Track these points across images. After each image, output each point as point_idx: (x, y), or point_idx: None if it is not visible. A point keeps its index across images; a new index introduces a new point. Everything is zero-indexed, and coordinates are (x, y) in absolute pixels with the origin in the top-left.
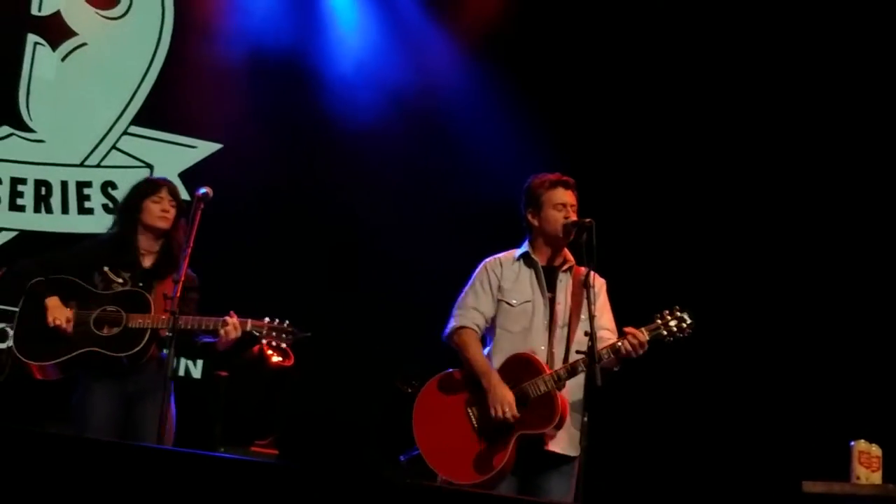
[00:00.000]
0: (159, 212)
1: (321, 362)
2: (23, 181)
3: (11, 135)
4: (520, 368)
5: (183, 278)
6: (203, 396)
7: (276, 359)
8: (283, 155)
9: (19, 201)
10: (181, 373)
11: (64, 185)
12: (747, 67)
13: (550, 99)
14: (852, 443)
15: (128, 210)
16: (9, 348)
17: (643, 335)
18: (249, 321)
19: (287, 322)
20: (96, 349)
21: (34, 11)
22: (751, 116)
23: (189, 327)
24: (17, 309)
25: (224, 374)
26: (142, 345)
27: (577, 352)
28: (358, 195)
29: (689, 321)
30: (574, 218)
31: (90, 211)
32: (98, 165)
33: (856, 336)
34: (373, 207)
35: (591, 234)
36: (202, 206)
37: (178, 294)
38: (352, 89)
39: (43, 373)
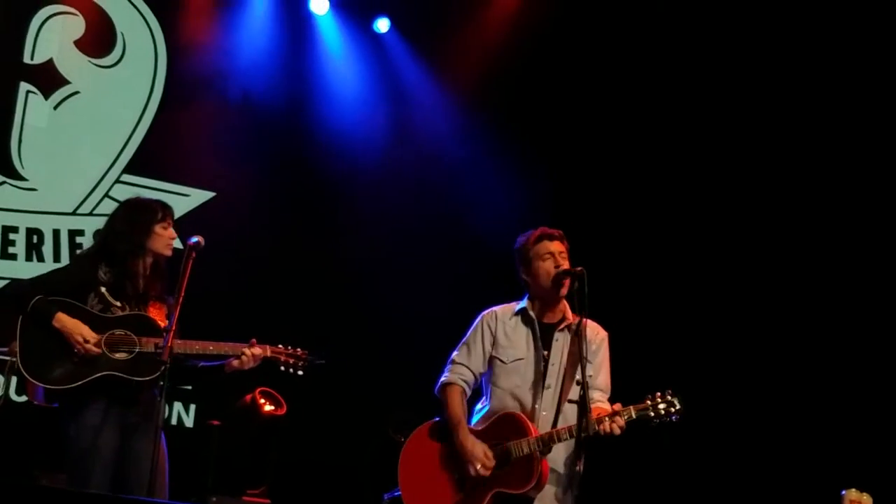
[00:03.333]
0: (168, 239)
1: (313, 411)
2: (14, 229)
3: (3, 183)
4: (508, 427)
5: (175, 326)
6: (195, 445)
7: (268, 408)
8: (276, 203)
9: (11, 250)
10: (174, 421)
11: (56, 233)
12: (744, 115)
13: (543, 144)
14: (843, 491)
15: (134, 232)
16: (14, 367)
17: (622, 423)
18: (269, 347)
19: (300, 350)
20: (115, 373)
21: (26, 60)
22: (744, 165)
23: (209, 352)
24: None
25: (216, 423)
26: (161, 369)
27: (570, 400)
28: (351, 242)
29: (678, 406)
30: (565, 265)
31: None
32: (90, 214)
33: (846, 384)
34: (366, 255)
35: (582, 283)
36: (194, 254)
37: (170, 343)
38: (345, 137)
39: (38, 395)
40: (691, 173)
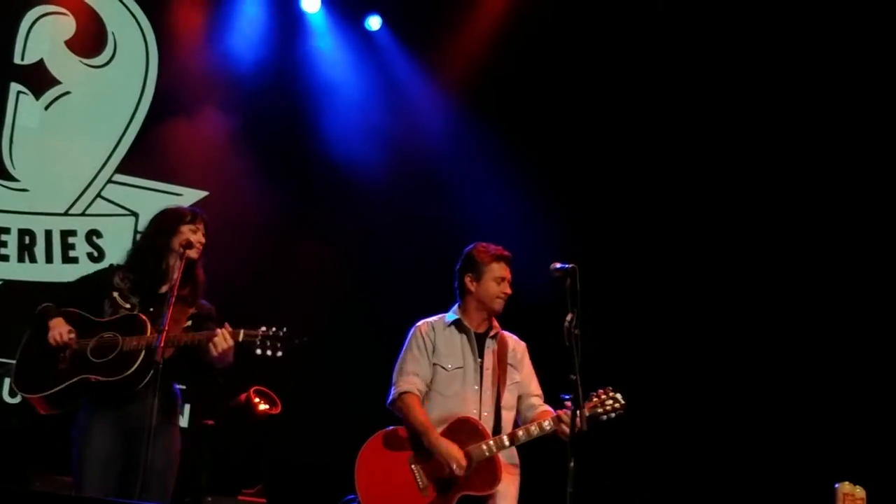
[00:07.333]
0: (195, 242)
1: (308, 410)
2: (6, 230)
3: None
4: (464, 431)
5: (167, 328)
6: (190, 445)
7: (263, 407)
8: (268, 201)
9: (3, 251)
10: None
11: (48, 234)
12: (743, 121)
13: (537, 142)
14: (837, 485)
15: (158, 232)
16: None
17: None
18: (242, 330)
19: (284, 329)
20: (89, 376)
21: (17, 60)
22: (741, 170)
23: (180, 343)
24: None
25: (211, 422)
26: (135, 366)
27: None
28: (344, 241)
29: (622, 402)
30: (509, 292)
31: (75, 260)
32: (83, 214)
33: (839, 378)
34: (361, 255)
35: (574, 280)
36: (187, 253)
37: (162, 344)
38: (339, 138)
39: (40, 406)
40: (694, 175)
